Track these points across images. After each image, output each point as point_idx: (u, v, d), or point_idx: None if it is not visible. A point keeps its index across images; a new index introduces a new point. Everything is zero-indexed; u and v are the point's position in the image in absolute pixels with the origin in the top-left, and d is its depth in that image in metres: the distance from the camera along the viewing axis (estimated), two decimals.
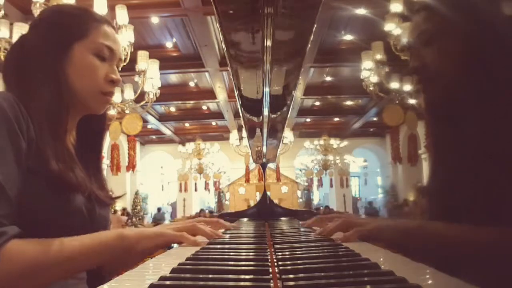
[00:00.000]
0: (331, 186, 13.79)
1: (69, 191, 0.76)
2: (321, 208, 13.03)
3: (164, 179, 18.08)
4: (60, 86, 0.81)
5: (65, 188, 0.75)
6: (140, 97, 4.97)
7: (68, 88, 0.83)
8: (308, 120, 12.96)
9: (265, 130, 1.28)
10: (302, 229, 1.14)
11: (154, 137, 14.51)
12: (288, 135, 9.65)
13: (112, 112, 5.65)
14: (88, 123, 0.92)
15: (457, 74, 0.64)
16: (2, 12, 3.57)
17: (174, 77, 9.28)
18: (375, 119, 11.74)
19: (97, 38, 0.86)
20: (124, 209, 12.33)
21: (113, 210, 11.19)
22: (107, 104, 0.90)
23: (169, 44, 7.72)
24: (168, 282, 0.46)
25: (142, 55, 4.67)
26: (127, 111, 5.35)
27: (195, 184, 13.51)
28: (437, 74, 0.69)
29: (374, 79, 5.17)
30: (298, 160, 14.88)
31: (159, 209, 14.44)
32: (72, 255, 0.68)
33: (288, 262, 0.55)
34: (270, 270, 0.49)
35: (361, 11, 5.86)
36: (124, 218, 10.07)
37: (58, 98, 0.80)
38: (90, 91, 0.86)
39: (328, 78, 9.44)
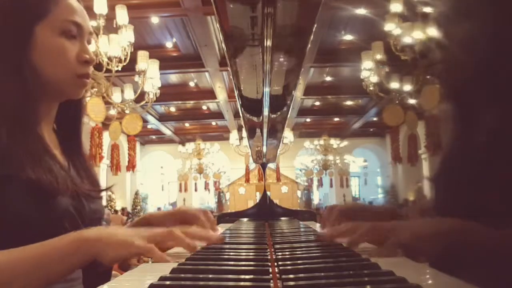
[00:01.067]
0: (331, 186, 13.79)
1: (51, 195, 0.69)
2: (321, 208, 13.02)
3: (164, 179, 18.08)
4: (25, 77, 0.73)
5: (45, 192, 0.68)
6: (140, 97, 4.97)
7: (37, 77, 0.75)
8: (308, 120, 12.97)
9: (265, 130, 1.28)
10: (302, 229, 1.14)
11: (154, 137, 14.51)
12: (288, 135, 9.65)
13: (112, 112, 5.65)
14: (64, 109, 0.84)
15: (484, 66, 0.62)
16: None
17: (174, 77, 9.28)
18: (375, 119, 11.75)
19: (61, 15, 0.76)
20: (123, 209, 12.35)
21: (113, 210, 11.22)
22: (84, 87, 0.82)
23: (169, 44, 7.73)
24: (168, 282, 0.46)
25: (142, 55, 4.67)
26: (127, 111, 5.35)
27: (195, 184, 13.52)
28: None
29: (374, 79, 5.18)
30: (298, 160, 14.89)
31: (159, 209, 14.45)
32: (19, 273, 0.56)
33: (288, 262, 0.55)
34: (270, 270, 0.49)
35: (361, 11, 5.86)
36: (124, 218, 10.08)
37: (24, 92, 0.72)
38: (64, 76, 0.77)
39: (328, 78, 9.44)
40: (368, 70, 5.19)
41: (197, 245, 0.67)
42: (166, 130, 12.92)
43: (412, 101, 5.51)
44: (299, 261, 0.56)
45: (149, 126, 12.16)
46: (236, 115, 11.12)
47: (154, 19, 6.57)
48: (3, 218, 0.64)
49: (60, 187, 0.71)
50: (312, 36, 0.66)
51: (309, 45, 0.69)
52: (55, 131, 0.85)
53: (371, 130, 14.10)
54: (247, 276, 0.48)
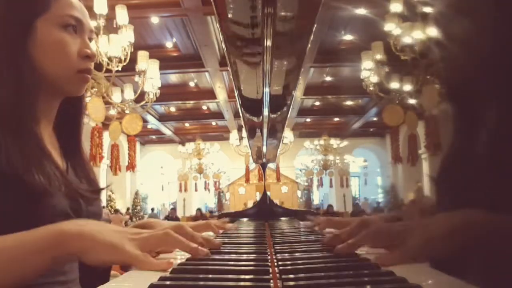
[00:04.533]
0: (331, 186, 13.79)
1: (42, 195, 0.66)
2: (321, 208, 13.03)
3: (164, 179, 18.07)
4: (22, 72, 0.71)
5: (36, 193, 0.66)
6: (140, 97, 4.97)
7: (36, 73, 0.73)
8: (308, 120, 12.96)
9: (265, 130, 1.28)
10: (302, 229, 1.14)
11: (154, 137, 14.51)
12: (288, 135, 9.65)
13: (112, 112, 5.65)
14: (64, 109, 0.83)
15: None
16: None
17: (174, 77, 9.28)
18: (375, 119, 11.74)
19: (62, 10, 0.75)
20: (128, 209, 12.39)
21: (113, 210, 11.22)
22: (85, 83, 0.81)
23: (169, 44, 7.72)
24: (168, 282, 0.46)
25: (142, 55, 4.67)
26: (127, 111, 5.35)
27: (195, 184, 13.51)
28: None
29: (374, 79, 5.18)
30: (298, 160, 14.88)
31: (152, 210, 14.42)
32: None
33: (288, 262, 0.55)
34: (270, 270, 0.49)
35: (361, 11, 5.86)
36: (126, 217, 10.07)
37: (21, 87, 0.70)
38: (64, 71, 0.76)
39: (328, 78, 9.44)
40: (368, 70, 5.19)
41: (199, 248, 0.60)
42: (166, 130, 12.92)
43: (412, 101, 5.51)
44: (299, 261, 0.56)
45: (149, 126, 12.16)
46: (236, 115, 11.12)
47: (154, 19, 6.57)
48: None
49: (52, 188, 0.68)
50: (312, 36, 0.66)
51: (309, 45, 0.69)
52: (55, 131, 0.83)
53: (371, 130, 14.10)
54: (247, 276, 0.48)
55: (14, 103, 0.69)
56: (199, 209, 12.33)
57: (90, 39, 0.82)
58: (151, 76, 4.84)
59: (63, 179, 0.73)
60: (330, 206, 12.51)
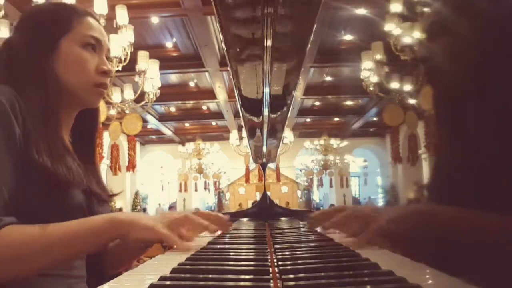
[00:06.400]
0: (331, 186, 13.78)
1: (65, 187, 0.75)
2: (321, 208, 13.02)
3: (164, 179, 18.06)
4: (48, 85, 0.80)
5: (60, 184, 0.74)
6: (140, 97, 4.96)
7: (60, 86, 0.82)
8: (308, 120, 12.96)
9: (265, 130, 1.28)
10: (302, 229, 1.14)
11: (154, 137, 14.50)
12: (288, 135, 9.65)
13: (112, 112, 5.65)
14: (81, 118, 0.92)
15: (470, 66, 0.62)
16: (2, 12, 3.57)
17: (174, 77, 9.27)
18: (375, 119, 11.74)
19: (83, 30, 0.85)
20: (120, 209, 12.34)
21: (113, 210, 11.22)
22: (101, 96, 0.90)
23: (169, 44, 7.72)
24: (168, 282, 0.46)
25: (142, 55, 4.67)
26: (127, 111, 5.35)
27: (195, 184, 13.50)
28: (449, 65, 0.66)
29: (374, 79, 5.17)
30: (298, 160, 14.88)
31: (144, 210, 14.39)
32: (60, 240, 0.66)
33: (288, 262, 0.55)
34: (270, 270, 0.49)
35: (361, 11, 5.86)
36: None
37: (47, 98, 0.79)
38: (83, 85, 0.85)
39: (328, 78, 9.43)
40: (368, 70, 5.19)
41: (215, 228, 0.77)
42: (166, 130, 12.91)
43: (412, 101, 5.51)
44: (299, 261, 0.56)
45: (149, 126, 12.15)
46: (236, 115, 11.11)
47: (154, 19, 6.56)
48: (16, 202, 0.68)
49: (75, 180, 0.76)
50: (312, 36, 0.66)
51: (309, 45, 0.69)
52: (70, 142, 0.90)
53: (371, 130, 14.09)
54: (247, 276, 0.48)
55: (42, 107, 0.78)
56: (197, 209, 12.29)
57: (107, 57, 0.91)
58: (151, 76, 4.84)
59: (84, 175, 0.81)
60: (332, 206, 12.52)
